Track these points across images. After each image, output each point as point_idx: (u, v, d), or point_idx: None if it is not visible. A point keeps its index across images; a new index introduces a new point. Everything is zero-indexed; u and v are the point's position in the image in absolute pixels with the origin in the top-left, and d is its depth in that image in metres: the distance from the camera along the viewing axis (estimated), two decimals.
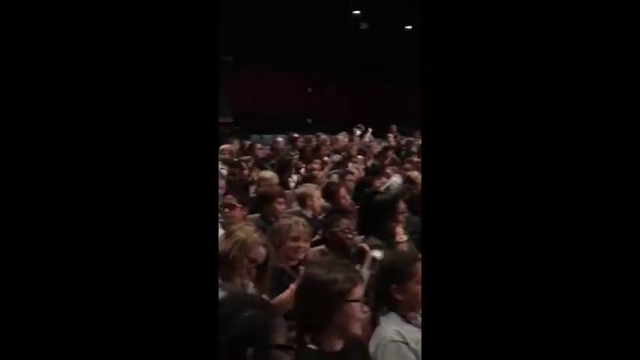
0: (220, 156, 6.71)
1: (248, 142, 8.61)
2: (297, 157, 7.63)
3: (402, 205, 3.29)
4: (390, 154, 7.78)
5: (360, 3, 15.27)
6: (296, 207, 4.34)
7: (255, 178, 5.32)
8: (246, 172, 5.64)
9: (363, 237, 3.11)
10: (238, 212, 3.97)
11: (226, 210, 4.03)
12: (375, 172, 5.79)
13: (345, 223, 3.12)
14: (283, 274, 2.65)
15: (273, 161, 6.92)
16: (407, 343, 1.91)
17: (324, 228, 3.25)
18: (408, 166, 6.43)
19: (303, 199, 4.25)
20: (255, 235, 2.50)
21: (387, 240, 3.02)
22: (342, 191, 4.49)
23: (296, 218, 2.99)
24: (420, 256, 1.99)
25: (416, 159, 6.77)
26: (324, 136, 9.22)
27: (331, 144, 8.97)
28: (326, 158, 7.52)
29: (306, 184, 4.69)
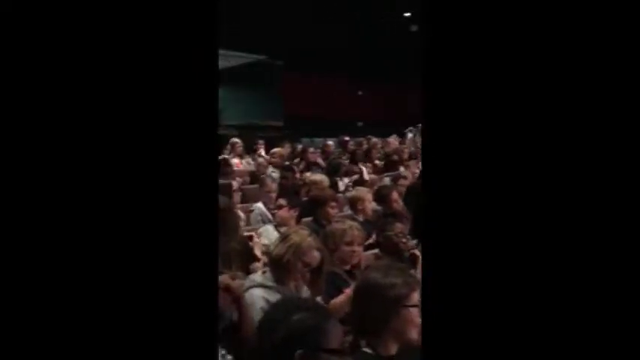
0: (271, 159, 6.80)
1: (299, 146, 8.67)
2: (347, 160, 7.63)
3: None
4: None
5: (411, 5, 15.15)
6: (347, 211, 4.34)
7: (306, 181, 5.35)
8: (297, 175, 5.68)
9: (416, 241, 3.08)
10: (290, 216, 4.01)
11: (278, 214, 4.08)
12: None
13: (398, 227, 3.11)
14: (338, 278, 2.66)
15: (324, 165, 6.95)
16: None
17: (377, 232, 3.24)
18: None
19: (354, 203, 4.25)
20: (310, 239, 2.51)
21: None
22: (394, 195, 4.46)
23: (350, 222, 2.99)
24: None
25: None
26: (374, 139, 9.18)
27: (382, 147, 8.93)
28: (377, 162, 7.50)
29: (358, 188, 4.69)
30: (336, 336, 1.34)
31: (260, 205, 4.41)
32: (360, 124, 12.96)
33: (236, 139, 7.53)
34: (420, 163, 7.10)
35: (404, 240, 3.03)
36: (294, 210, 4.06)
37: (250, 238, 3.57)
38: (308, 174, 5.92)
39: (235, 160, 6.66)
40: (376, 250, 3.13)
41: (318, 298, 2.37)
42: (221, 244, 3.13)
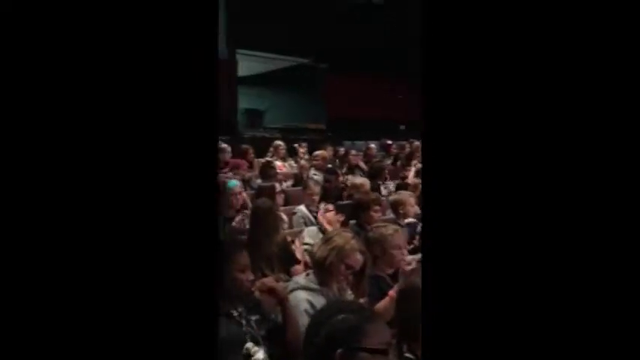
0: (313, 162, 6.82)
1: (341, 149, 8.67)
2: (389, 163, 7.59)
3: None
4: None
5: None
6: (390, 214, 4.32)
7: (348, 184, 5.35)
8: (340, 178, 5.69)
9: None
10: (335, 219, 4.03)
11: (322, 216, 4.09)
12: None
13: None
14: (382, 282, 2.65)
15: (366, 168, 6.93)
16: None
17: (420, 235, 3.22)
18: None
19: (396, 207, 4.23)
20: (353, 241, 2.51)
21: None
22: None
23: (394, 226, 2.99)
24: None
25: None
26: (417, 143, 9.11)
27: None
28: (419, 165, 7.44)
29: (400, 191, 4.67)
30: (379, 337, 1.34)
31: (303, 207, 4.44)
32: (402, 127, 12.88)
33: (279, 142, 7.58)
34: None
35: None
36: (340, 214, 4.07)
37: (292, 240, 3.60)
38: (350, 177, 5.92)
39: (278, 163, 6.71)
40: (419, 255, 3.11)
41: (363, 301, 2.37)
42: (263, 245, 3.18)
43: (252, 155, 7.15)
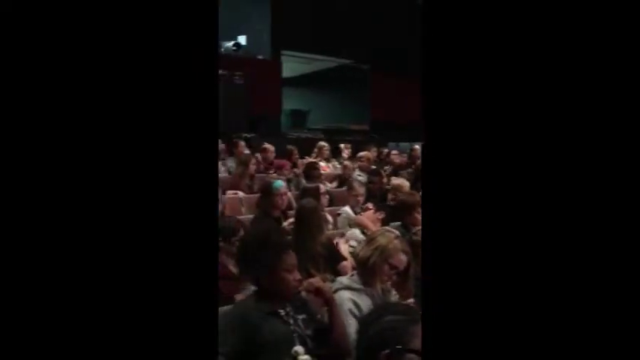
0: (358, 163, 6.83)
1: (385, 150, 8.65)
2: None
3: None
4: None
5: None
6: None
7: (390, 185, 5.34)
8: (384, 179, 5.68)
9: None
10: (375, 219, 4.03)
11: (364, 216, 4.10)
12: None
13: None
14: None
15: (410, 169, 6.90)
16: None
17: None
18: None
19: None
20: (396, 241, 2.51)
21: None
22: None
23: None
24: None
25: None
26: None
27: None
28: None
29: None
30: None
31: (347, 208, 4.45)
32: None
33: (323, 143, 7.62)
34: None
35: None
36: (379, 212, 4.07)
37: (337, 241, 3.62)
38: (393, 178, 5.91)
39: (322, 164, 6.75)
40: None
41: (411, 302, 2.37)
42: (308, 245, 3.21)
43: (297, 156, 7.20)
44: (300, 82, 12.58)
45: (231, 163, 6.56)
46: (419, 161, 7.53)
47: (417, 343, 1.31)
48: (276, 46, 11.08)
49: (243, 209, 4.78)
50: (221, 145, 7.27)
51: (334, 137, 9.63)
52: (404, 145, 9.49)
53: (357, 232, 3.90)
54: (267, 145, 6.99)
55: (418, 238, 2.86)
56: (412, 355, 1.30)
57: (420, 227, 3.13)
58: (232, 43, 10.63)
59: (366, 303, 2.38)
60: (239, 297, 2.54)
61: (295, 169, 6.45)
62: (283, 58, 11.33)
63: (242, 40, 10.77)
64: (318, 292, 2.13)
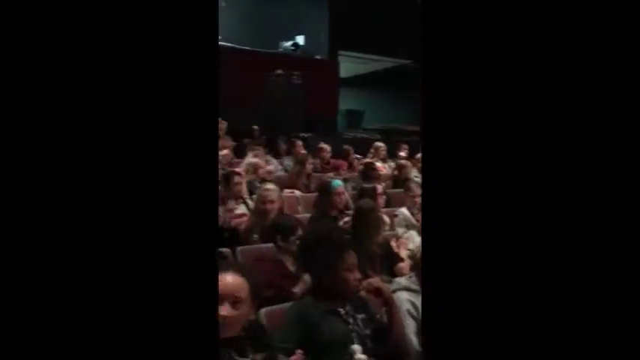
0: (417, 164, 6.77)
1: None
2: None
3: None
4: None
5: None
6: None
7: None
8: None
9: None
10: None
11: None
12: None
13: None
14: None
15: None
16: None
17: None
18: None
19: None
20: None
21: None
22: None
23: None
24: None
25: None
26: None
27: None
28: None
29: None
30: None
31: (404, 210, 4.43)
32: None
33: (380, 143, 7.59)
34: None
35: None
36: None
37: (396, 239, 3.61)
38: None
39: (378, 164, 6.73)
40: None
41: None
42: (365, 246, 3.22)
43: (353, 156, 7.21)
44: (357, 82, 12.59)
45: (288, 162, 6.64)
46: None
47: None
48: (333, 46, 11.12)
49: (300, 208, 4.83)
50: (280, 145, 7.38)
51: (390, 138, 9.59)
52: None
53: (414, 233, 3.88)
54: (323, 145, 7.03)
55: None
56: None
57: None
58: (290, 43, 10.75)
59: None
60: (295, 291, 2.58)
61: (351, 170, 6.46)
62: (340, 59, 11.37)
63: (300, 40, 10.87)
64: (377, 292, 2.14)
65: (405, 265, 3.25)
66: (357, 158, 7.08)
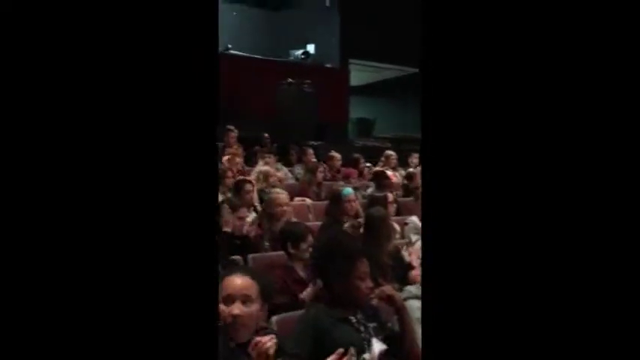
0: None
1: None
2: None
3: None
4: None
5: None
6: None
7: None
8: None
9: None
10: None
11: None
12: None
13: None
14: None
15: None
16: None
17: None
18: None
19: None
20: None
21: None
22: None
23: None
24: None
25: None
26: None
27: None
28: None
29: None
30: None
31: (415, 218, 4.42)
32: None
33: (390, 152, 7.58)
34: None
35: None
36: None
37: (407, 247, 3.60)
38: None
39: (389, 172, 6.72)
40: None
41: None
42: (376, 254, 3.22)
43: (363, 164, 7.21)
44: (367, 90, 12.61)
45: (299, 170, 6.65)
46: None
47: None
48: (344, 54, 11.15)
49: (310, 216, 4.83)
50: (291, 153, 7.39)
51: (401, 146, 9.58)
52: None
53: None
54: (333, 154, 7.04)
55: None
56: None
57: None
58: (301, 51, 10.79)
59: None
60: (305, 297, 2.59)
61: (362, 178, 6.46)
62: (351, 67, 11.39)
63: (311, 48, 10.91)
64: (389, 300, 2.14)
65: (416, 274, 3.25)
66: (367, 166, 7.07)
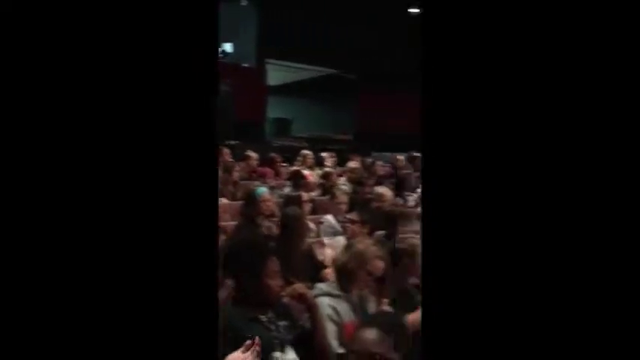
0: (348, 174, 6.84)
1: (369, 160, 8.68)
2: (417, 175, 7.58)
3: None
4: None
5: None
6: (417, 226, 4.33)
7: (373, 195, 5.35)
8: (367, 189, 5.71)
9: None
10: (358, 228, 4.05)
11: (349, 227, 4.12)
12: None
13: None
14: (413, 293, 2.68)
15: (393, 179, 6.93)
16: None
17: None
18: None
19: None
20: (374, 248, 2.55)
21: None
22: None
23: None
24: None
25: None
26: None
27: None
28: None
29: None
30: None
31: (330, 217, 4.47)
32: None
33: (307, 151, 7.63)
34: None
35: None
36: (365, 224, 4.09)
37: (321, 245, 3.64)
38: (376, 187, 5.93)
39: (306, 172, 6.75)
40: None
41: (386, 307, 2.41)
42: (289, 253, 3.23)
43: (279, 164, 7.21)
44: (285, 90, 12.61)
45: None
46: (401, 171, 7.59)
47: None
48: (261, 54, 11.10)
49: (226, 216, 4.78)
50: None
51: (318, 146, 9.65)
52: (387, 155, 9.53)
53: (342, 239, 3.92)
54: (250, 153, 7.00)
55: (403, 246, 2.89)
56: None
57: (404, 236, 3.16)
58: (219, 50, 10.63)
59: (344, 309, 2.42)
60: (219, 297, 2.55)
61: (278, 177, 6.46)
62: (268, 67, 11.36)
63: (228, 47, 10.78)
64: (301, 298, 2.15)
65: (328, 272, 3.28)
66: (283, 166, 7.08)
